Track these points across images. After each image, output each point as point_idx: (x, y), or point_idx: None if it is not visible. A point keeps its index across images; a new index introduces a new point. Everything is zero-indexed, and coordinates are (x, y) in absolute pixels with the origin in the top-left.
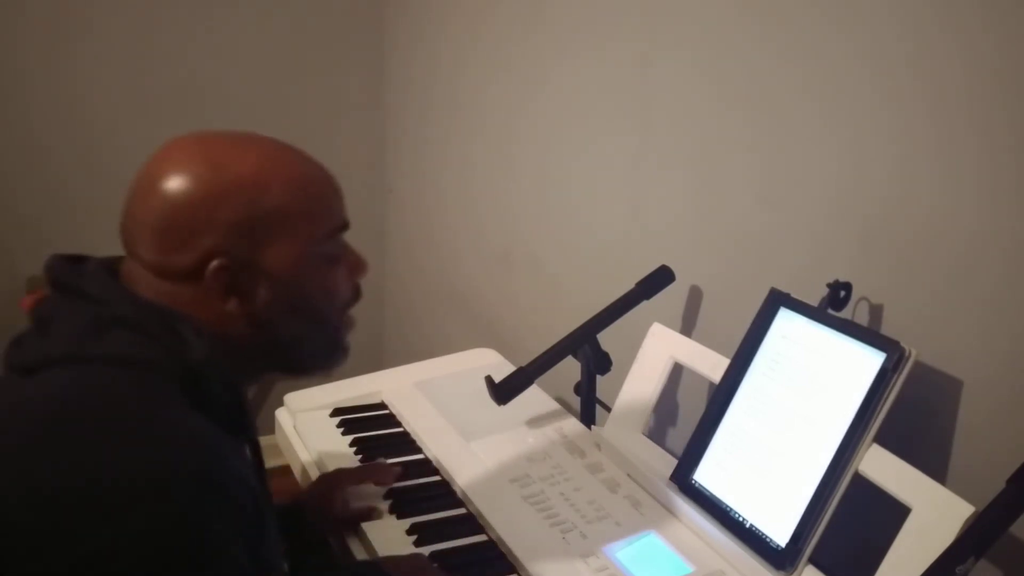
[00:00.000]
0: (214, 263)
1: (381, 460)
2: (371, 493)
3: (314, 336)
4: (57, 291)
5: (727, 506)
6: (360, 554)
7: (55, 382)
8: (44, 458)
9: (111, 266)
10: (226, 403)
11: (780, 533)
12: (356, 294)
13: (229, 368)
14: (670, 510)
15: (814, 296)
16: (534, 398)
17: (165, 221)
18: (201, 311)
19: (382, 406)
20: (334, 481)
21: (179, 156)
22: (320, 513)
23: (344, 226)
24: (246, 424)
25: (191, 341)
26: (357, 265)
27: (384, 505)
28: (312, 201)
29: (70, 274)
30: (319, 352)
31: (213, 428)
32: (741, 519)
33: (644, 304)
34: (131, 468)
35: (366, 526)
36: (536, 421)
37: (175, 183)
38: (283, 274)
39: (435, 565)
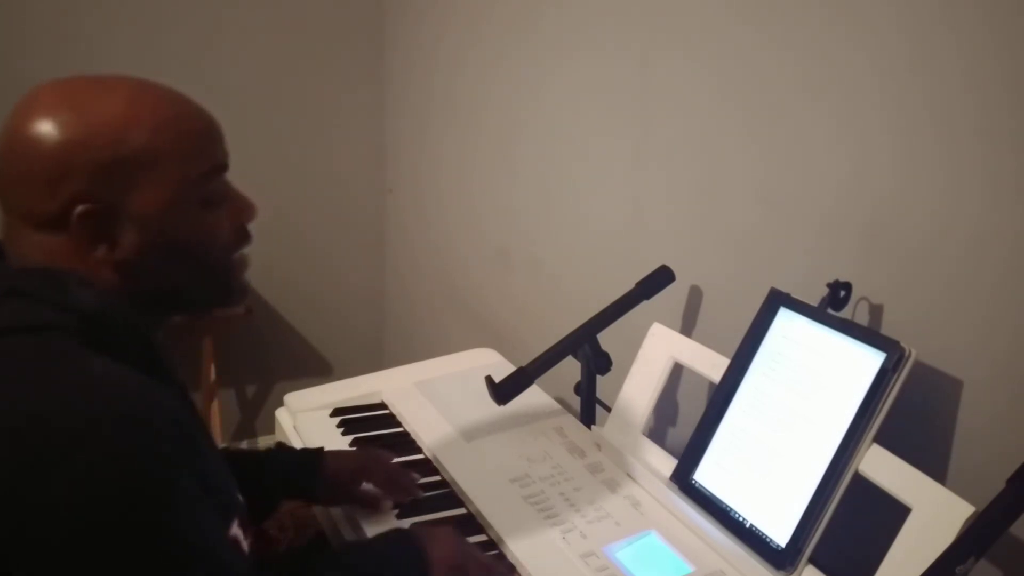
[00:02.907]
0: (78, 208)
1: (415, 475)
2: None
3: (196, 280)
4: None
5: (727, 506)
6: None
7: None
8: None
9: None
10: (134, 348)
11: (780, 533)
12: (243, 236)
13: (126, 313)
14: (670, 510)
15: (814, 296)
16: (534, 398)
17: (30, 168)
18: (77, 261)
19: (382, 406)
20: (365, 465)
21: (41, 102)
22: (335, 483)
23: (221, 168)
24: (163, 367)
25: (77, 293)
26: (243, 208)
27: (390, 502)
28: (182, 142)
29: None
30: (206, 295)
31: (127, 370)
32: (741, 519)
33: (644, 304)
34: (53, 421)
35: (366, 525)
36: (536, 421)
37: (37, 129)
38: (152, 219)
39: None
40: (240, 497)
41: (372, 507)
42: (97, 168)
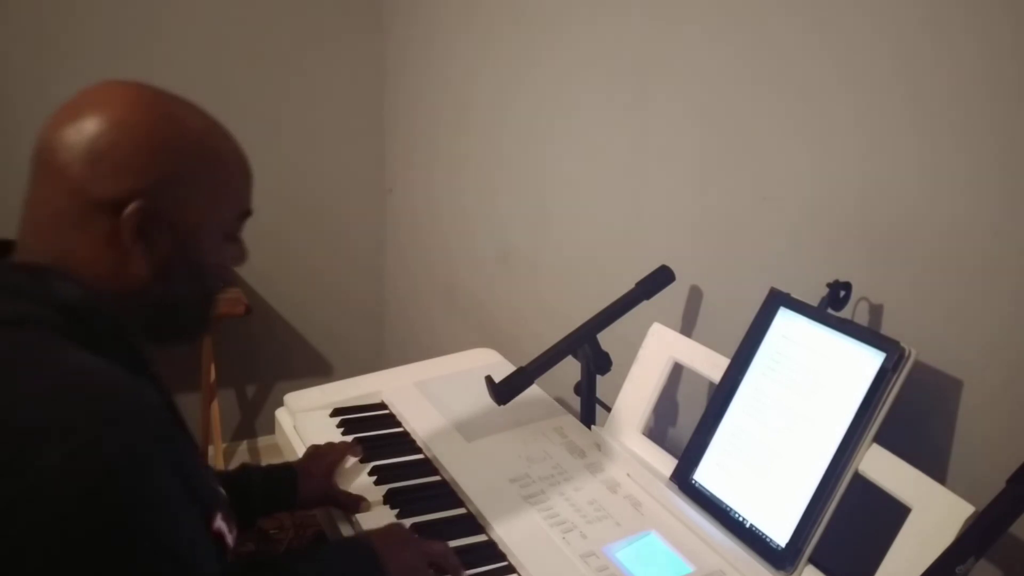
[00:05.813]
0: (134, 204)
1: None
2: (354, 473)
3: (193, 303)
4: None
5: (727, 506)
6: None
7: None
8: None
9: None
10: (114, 342)
11: (780, 533)
12: (232, 277)
13: (107, 307)
14: (670, 510)
15: (814, 296)
16: (534, 398)
17: (106, 145)
18: (94, 246)
19: (382, 406)
20: (328, 453)
21: (134, 93)
22: (316, 478)
23: (249, 213)
24: (142, 362)
25: (58, 286)
26: (243, 253)
27: (378, 496)
28: (238, 179)
29: None
30: (190, 321)
31: (103, 363)
32: (741, 519)
33: (644, 304)
34: (21, 415)
35: (365, 524)
36: (536, 421)
37: (129, 114)
38: (188, 233)
39: (415, 535)
40: (222, 490)
41: (352, 509)
42: (168, 174)
